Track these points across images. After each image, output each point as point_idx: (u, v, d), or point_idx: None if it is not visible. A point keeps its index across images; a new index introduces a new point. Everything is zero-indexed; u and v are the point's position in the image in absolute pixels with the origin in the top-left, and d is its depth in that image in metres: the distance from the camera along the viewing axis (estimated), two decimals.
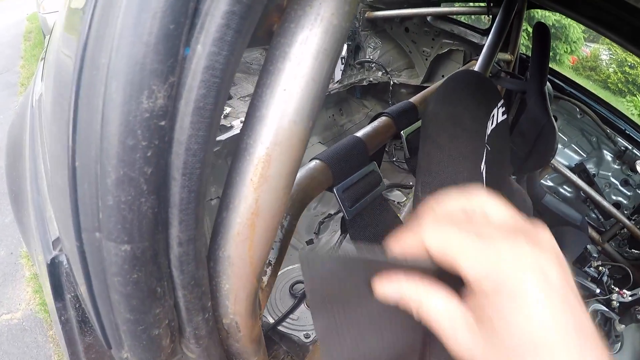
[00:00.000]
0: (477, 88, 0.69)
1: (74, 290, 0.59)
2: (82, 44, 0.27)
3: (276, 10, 0.33)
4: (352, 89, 2.42)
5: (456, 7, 2.04)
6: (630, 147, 1.74)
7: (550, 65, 1.52)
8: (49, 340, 2.11)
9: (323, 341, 0.33)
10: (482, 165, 0.61)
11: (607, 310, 1.40)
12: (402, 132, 0.83)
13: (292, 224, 0.56)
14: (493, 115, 0.73)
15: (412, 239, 0.30)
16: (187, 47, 0.26)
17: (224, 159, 1.73)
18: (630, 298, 1.42)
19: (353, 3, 0.33)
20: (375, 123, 0.81)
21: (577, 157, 1.84)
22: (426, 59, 2.35)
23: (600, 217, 1.77)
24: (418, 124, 0.86)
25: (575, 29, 7.60)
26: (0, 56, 5.96)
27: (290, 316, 1.51)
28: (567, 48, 7.90)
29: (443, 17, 2.13)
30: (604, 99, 1.85)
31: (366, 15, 2.32)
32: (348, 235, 0.68)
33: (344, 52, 2.24)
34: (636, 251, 1.72)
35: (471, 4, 2.04)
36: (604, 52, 8.41)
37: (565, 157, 1.85)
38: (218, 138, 1.63)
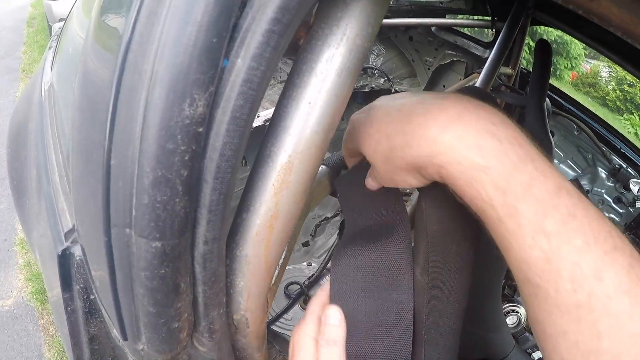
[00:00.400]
0: None
1: (84, 282, 0.60)
2: (124, 50, 0.29)
3: (303, 25, 0.35)
4: (354, 95, 2.43)
5: (460, 20, 2.07)
6: (624, 166, 1.77)
7: (549, 81, 1.55)
8: (40, 329, 2.11)
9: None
10: None
11: None
12: None
13: (298, 225, 0.58)
14: None
15: None
16: (225, 59, 0.28)
17: None
18: None
19: (376, 25, 0.35)
20: None
21: (572, 173, 1.87)
22: (428, 69, 2.38)
23: None
24: None
25: (577, 45, 7.67)
26: (3, 41, 5.93)
27: (284, 316, 1.53)
28: (567, 64, 7.97)
29: (447, 28, 2.16)
30: (602, 116, 1.88)
31: None
32: None
33: None
34: None
35: (475, 17, 2.07)
36: (604, 69, 8.49)
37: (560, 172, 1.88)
38: None
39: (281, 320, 1.49)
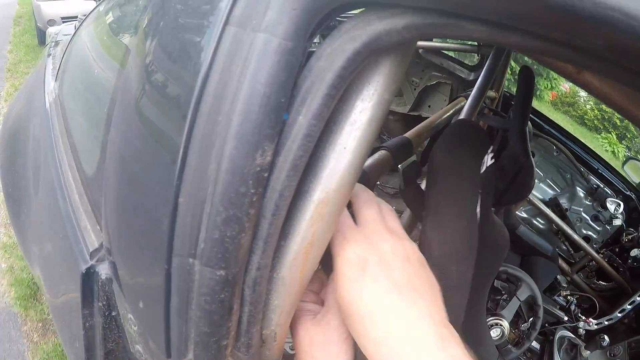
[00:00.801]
0: (473, 140, 0.79)
1: (107, 299, 0.63)
2: (195, 98, 0.34)
3: None
4: None
5: (448, 43, 2.17)
6: (602, 185, 1.87)
7: None
8: (23, 335, 2.08)
9: None
10: (478, 209, 0.70)
11: (574, 337, 1.51)
12: (399, 166, 0.91)
13: None
14: (484, 162, 0.82)
15: None
16: (285, 113, 0.33)
17: None
18: (595, 326, 1.54)
19: (399, 81, 0.41)
20: (376, 156, 0.89)
21: (551, 192, 1.96)
22: (415, 89, 2.47)
23: (571, 249, 1.89)
24: (412, 157, 0.94)
25: None
26: None
27: None
28: (547, 84, 8.24)
29: (434, 50, 2.26)
30: (581, 134, 1.99)
31: None
32: None
33: None
34: (603, 283, 1.84)
35: (461, 41, 2.17)
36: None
37: (540, 191, 1.97)
38: None
39: None
